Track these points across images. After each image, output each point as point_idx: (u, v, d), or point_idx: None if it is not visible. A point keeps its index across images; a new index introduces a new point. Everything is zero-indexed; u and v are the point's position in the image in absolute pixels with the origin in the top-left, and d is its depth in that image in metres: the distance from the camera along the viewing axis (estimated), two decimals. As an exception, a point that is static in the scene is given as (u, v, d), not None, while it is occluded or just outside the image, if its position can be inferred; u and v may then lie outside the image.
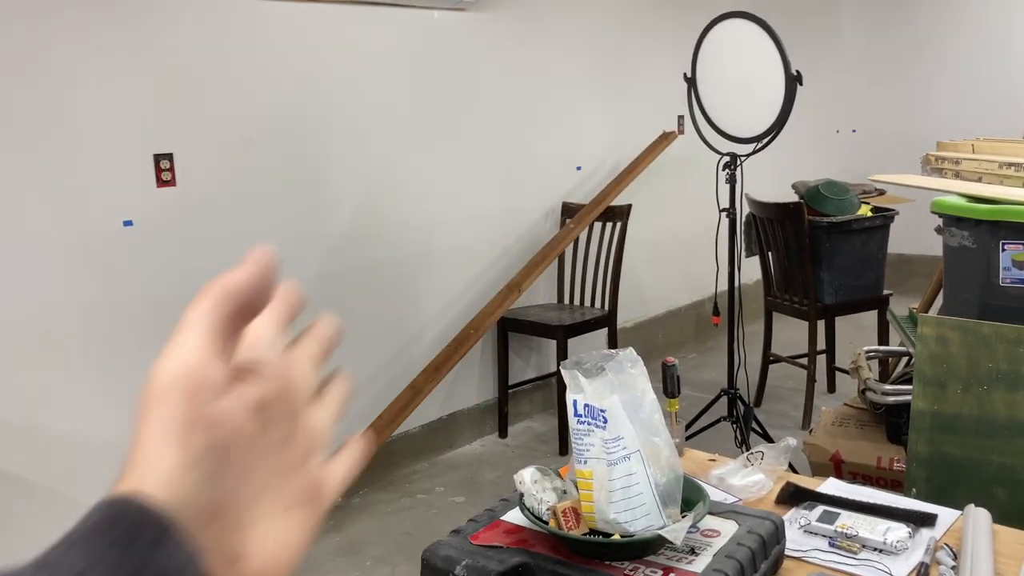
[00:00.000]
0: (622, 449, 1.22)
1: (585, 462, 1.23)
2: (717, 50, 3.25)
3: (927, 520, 1.38)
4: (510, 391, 4.06)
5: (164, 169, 2.86)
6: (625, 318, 4.53)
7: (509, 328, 3.94)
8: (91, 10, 2.67)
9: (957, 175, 2.25)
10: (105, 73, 2.71)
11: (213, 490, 0.36)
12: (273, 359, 0.41)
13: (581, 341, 4.09)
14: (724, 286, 3.49)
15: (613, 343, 4.07)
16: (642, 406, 1.24)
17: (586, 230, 4.13)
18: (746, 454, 1.61)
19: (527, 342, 4.20)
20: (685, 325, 5.23)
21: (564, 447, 3.77)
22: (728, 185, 3.24)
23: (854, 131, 6.47)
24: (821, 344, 4.15)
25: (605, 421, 1.23)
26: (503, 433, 4.04)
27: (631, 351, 1.26)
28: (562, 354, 3.76)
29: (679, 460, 1.26)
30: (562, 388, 3.74)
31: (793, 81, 2.93)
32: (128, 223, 2.80)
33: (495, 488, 3.50)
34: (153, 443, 0.36)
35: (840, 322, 4.34)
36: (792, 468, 2.47)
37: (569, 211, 4.24)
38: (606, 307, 4.03)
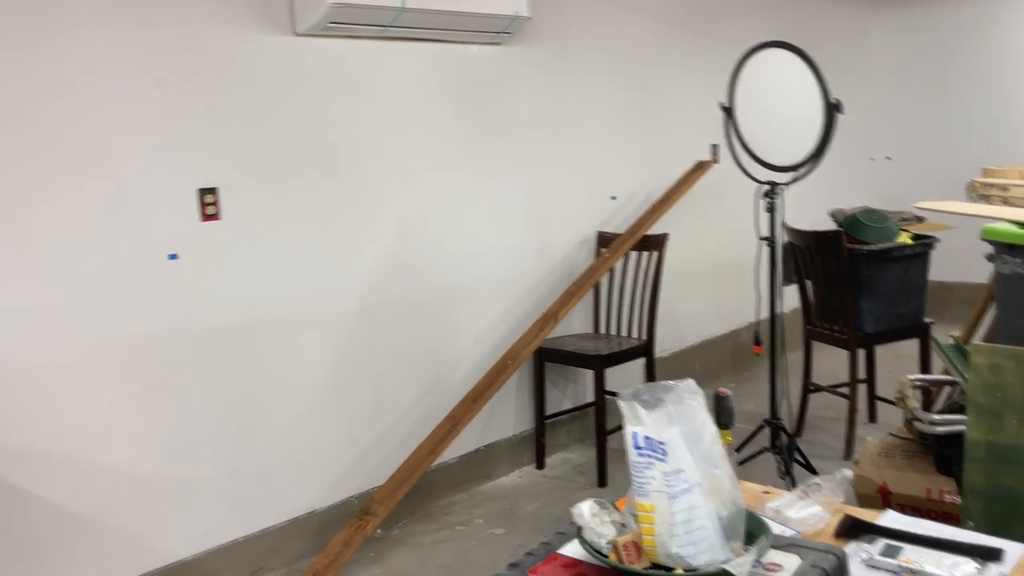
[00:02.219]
0: (683, 482, 1.21)
1: (646, 495, 1.22)
2: (754, 79, 3.25)
3: (994, 555, 1.35)
4: (547, 422, 4.04)
5: (208, 203, 2.90)
6: (661, 348, 4.50)
7: (546, 358, 3.94)
8: (137, 48, 2.73)
9: (1005, 201, 2.23)
10: (151, 110, 2.77)
11: None
12: None
13: (619, 371, 4.07)
14: (763, 315, 3.46)
15: (651, 373, 4.05)
16: (702, 438, 1.24)
17: (622, 259, 4.13)
18: (802, 486, 1.59)
19: (564, 372, 4.19)
20: (722, 354, 5.19)
21: (603, 479, 3.74)
22: (768, 213, 3.23)
23: (888, 158, 6.43)
24: (861, 373, 4.10)
25: (665, 454, 1.22)
26: (540, 464, 4.02)
27: (691, 382, 1.25)
28: (600, 384, 3.74)
29: (741, 493, 1.25)
30: (600, 419, 3.74)
31: (833, 109, 2.93)
32: (173, 256, 2.84)
33: (534, 520, 3.47)
34: None
35: (880, 351, 4.29)
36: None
37: (604, 240, 4.24)
38: (643, 336, 4.01)
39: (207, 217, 2.91)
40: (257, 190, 3.04)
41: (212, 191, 2.91)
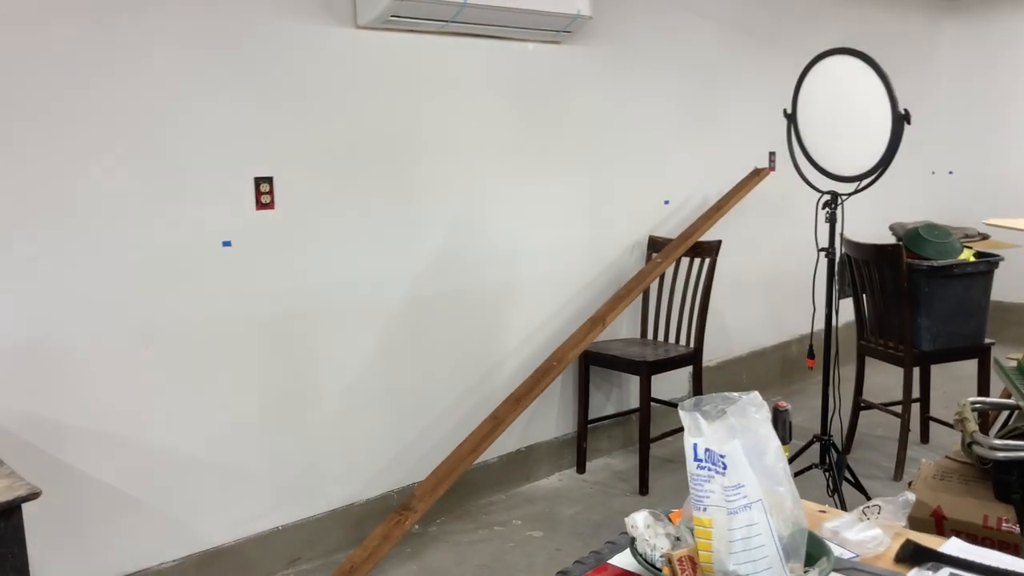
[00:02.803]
0: (743, 498, 1.17)
1: (704, 509, 1.18)
2: (819, 86, 3.18)
3: (1067, 591, 1.28)
4: (590, 426, 4.00)
5: (264, 192, 2.91)
6: (709, 356, 4.43)
7: (591, 362, 3.90)
8: (200, 36, 2.75)
9: (1082, 222, 2.14)
10: (213, 97, 2.79)
11: None
12: None
13: (665, 378, 4.01)
14: (818, 327, 3.38)
15: (698, 381, 3.99)
16: (766, 453, 1.19)
17: (673, 265, 4.08)
18: (862, 507, 1.54)
19: (608, 376, 4.14)
20: (771, 366, 5.10)
21: (644, 486, 3.69)
22: (828, 224, 3.15)
23: (951, 173, 6.27)
24: (915, 392, 3.99)
25: (725, 467, 1.18)
26: (581, 468, 3.98)
27: (756, 395, 1.21)
28: (646, 391, 3.69)
29: (803, 512, 1.20)
30: (644, 425, 3.69)
31: (900, 120, 2.85)
32: (227, 244, 2.85)
33: (573, 524, 3.44)
34: None
35: (935, 370, 4.18)
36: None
37: (656, 245, 4.19)
38: (691, 344, 3.95)
39: (262, 206, 2.92)
40: (312, 181, 3.04)
41: (268, 180, 2.93)
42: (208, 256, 2.83)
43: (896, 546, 1.45)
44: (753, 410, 1.19)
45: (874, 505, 1.54)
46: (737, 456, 1.18)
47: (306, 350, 3.10)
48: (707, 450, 1.18)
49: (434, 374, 3.50)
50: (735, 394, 1.21)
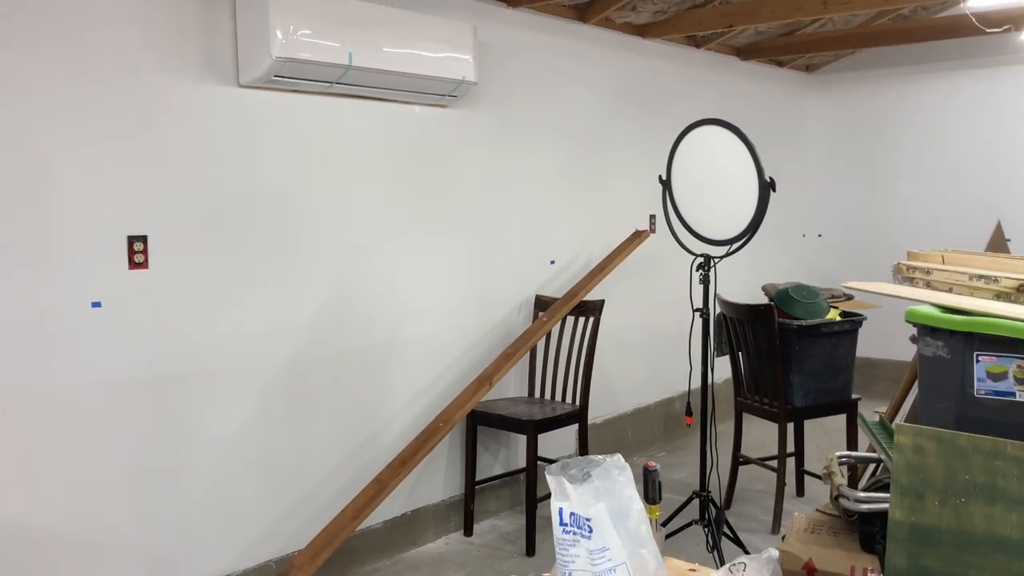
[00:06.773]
0: (607, 561, 1.18)
1: (570, 574, 1.18)
2: (692, 154, 3.33)
3: (915, 640, 1.34)
4: (477, 487, 3.97)
5: (137, 251, 2.82)
6: (595, 414, 4.49)
7: (479, 421, 3.89)
8: (70, 93, 2.67)
9: (928, 284, 2.29)
10: (82, 155, 2.70)
11: None
12: None
13: (552, 437, 4.04)
14: (695, 384, 3.48)
15: (584, 439, 4.02)
16: (629, 516, 1.21)
17: (558, 324, 4.14)
18: (728, 565, 1.57)
19: (496, 436, 4.14)
20: (654, 422, 5.20)
21: (531, 548, 3.67)
22: (701, 285, 3.27)
23: (820, 236, 6.63)
24: (790, 447, 4.14)
25: (591, 531, 1.19)
26: (468, 531, 3.93)
27: (619, 458, 1.24)
28: (532, 450, 3.70)
29: (666, 573, 1.23)
30: (531, 485, 3.69)
31: (767, 187, 3.00)
32: (96, 304, 2.74)
33: (459, 589, 3.38)
34: None
35: (809, 425, 4.35)
36: (767, 576, 2.41)
37: (542, 304, 4.25)
38: (577, 402, 4.00)
39: (135, 265, 2.82)
40: (190, 239, 2.97)
41: (142, 239, 2.84)
42: (76, 317, 2.70)
43: (760, 602, 1.49)
44: (616, 472, 1.22)
45: (740, 562, 1.58)
46: (602, 519, 1.20)
47: (179, 414, 2.98)
48: (572, 514, 1.20)
49: (315, 437, 3.42)
50: (599, 457, 1.24)
